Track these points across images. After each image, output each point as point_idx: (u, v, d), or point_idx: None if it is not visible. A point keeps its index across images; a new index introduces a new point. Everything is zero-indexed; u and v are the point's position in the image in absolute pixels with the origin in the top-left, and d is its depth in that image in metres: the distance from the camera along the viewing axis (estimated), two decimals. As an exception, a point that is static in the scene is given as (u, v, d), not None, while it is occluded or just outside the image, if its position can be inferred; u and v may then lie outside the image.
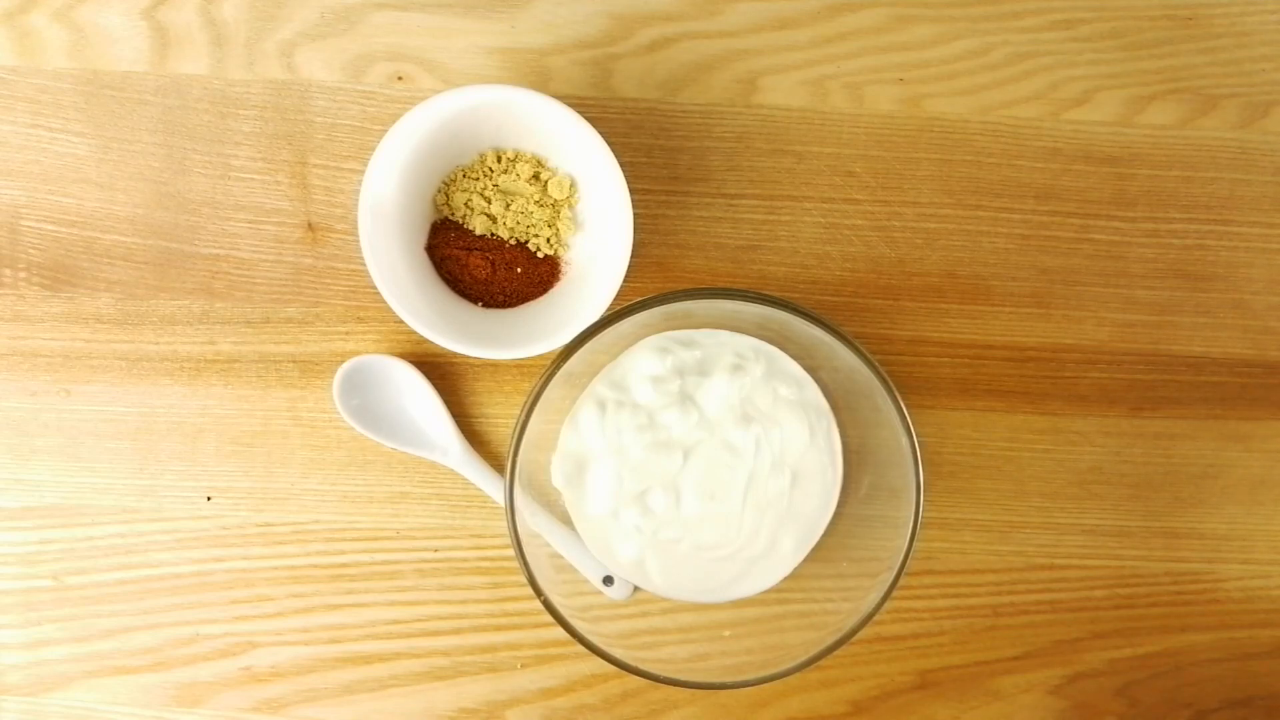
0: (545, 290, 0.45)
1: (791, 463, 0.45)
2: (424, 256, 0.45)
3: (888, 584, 0.41)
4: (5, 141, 0.46)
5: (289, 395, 0.47)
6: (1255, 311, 0.48)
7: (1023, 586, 0.48)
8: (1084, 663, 0.48)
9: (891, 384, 0.41)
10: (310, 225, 0.47)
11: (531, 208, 0.45)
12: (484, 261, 0.45)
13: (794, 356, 0.45)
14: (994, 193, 0.47)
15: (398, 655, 0.48)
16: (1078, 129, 0.47)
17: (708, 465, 0.45)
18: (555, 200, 0.45)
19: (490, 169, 0.45)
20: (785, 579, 0.46)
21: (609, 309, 0.42)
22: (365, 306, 0.47)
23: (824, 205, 0.47)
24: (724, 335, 0.45)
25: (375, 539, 0.47)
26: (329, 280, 0.47)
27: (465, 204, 0.45)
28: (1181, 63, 0.47)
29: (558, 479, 0.46)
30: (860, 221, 0.47)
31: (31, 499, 0.47)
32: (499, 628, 0.48)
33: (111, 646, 0.47)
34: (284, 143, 0.47)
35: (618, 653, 0.42)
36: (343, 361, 0.46)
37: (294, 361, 0.47)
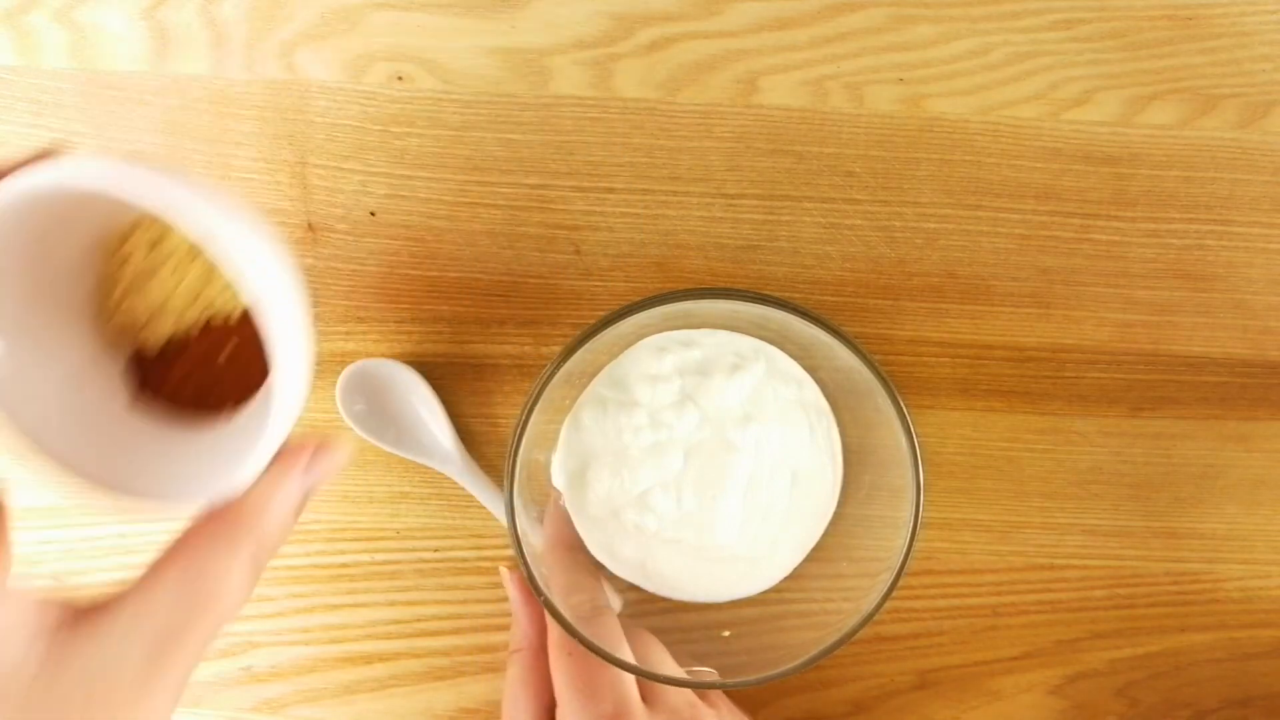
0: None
1: (791, 463, 0.45)
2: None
3: (888, 584, 0.41)
4: (5, 141, 0.46)
5: (289, 395, 0.47)
6: (1255, 311, 0.48)
7: (1023, 586, 0.48)
8: (1084, 663, 0.48)
9: (891, 384, 0.41)
10: (310, 225, 0.47)
11: (196, 269, 0.34)
12: (205, 355, 0.34)
13: (794, 356, 0.46)
14: (994, 193, 0.47)
15: (398, 655, 0.48)
16: (1078, 129, 0.47)
17: (708, 465, 0.45)
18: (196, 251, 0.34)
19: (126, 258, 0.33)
20: (785, 579, 0.46)
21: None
22: (365, 306, 0.47)
23: (824, 205, 0.47)
24: (724, 335, 0.45)
25: (375, 539, 0.47)
26: (329, 280, 0.47)
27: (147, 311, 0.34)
28: (1181, 63, 0.47)
29: (558, 479, 0.46)
30: (860, 221, 0.47)
31: (32, 499, 0.47)
32: (499, 628, 0.48)
33: (111, 646, 0.47)
34: (284, 143, 0.47)
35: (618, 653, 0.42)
36: (343, 361, 0.46)
37: (294, 361, 0.47)
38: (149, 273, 0.34)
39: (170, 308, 0.34)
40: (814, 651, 0.42)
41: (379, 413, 0.46)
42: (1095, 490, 0.48)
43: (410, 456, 0.46)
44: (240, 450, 0.31)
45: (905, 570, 0.41)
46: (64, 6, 0.46)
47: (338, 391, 0.46)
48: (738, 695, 0.47)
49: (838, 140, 0.47)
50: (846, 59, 0.47)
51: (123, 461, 0.32)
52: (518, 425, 0.41)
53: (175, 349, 0.34)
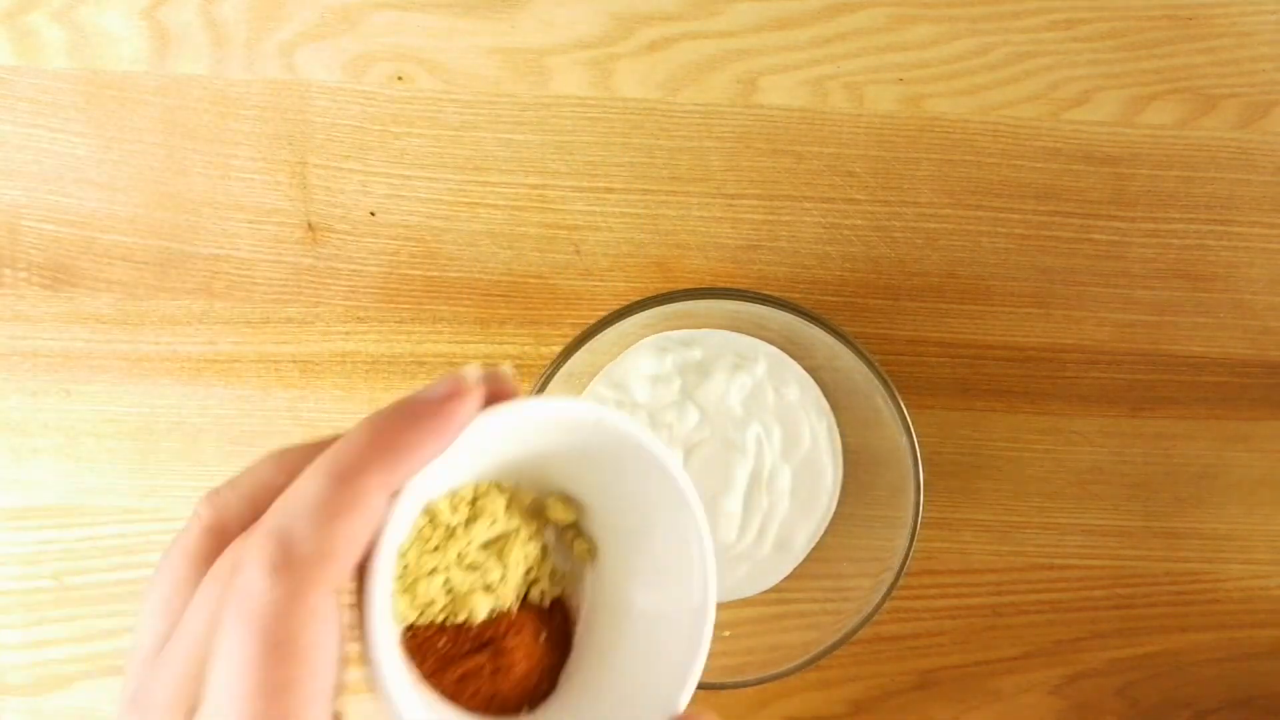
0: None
1: (792, 463, 0.45)
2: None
3: (888, 584, 0.41)
4: (5, 141, 0.46)
5: (289, 395, 0.47)
6: (1255, 311, 0.48)
7: (1023, 586, 0.48)
8: (1084, 663, 0.48)
9: (891, 384, 0.41)
10: (310, 225, 0.47)
11: (525, 548, 0.30)
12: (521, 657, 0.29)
13: (794, 356, 0.46)
14: (994, 193, 0.47)
15: (398, 655, 0.48)
16: (1078, 129, 0.47)
17: (709, 465, 0.45)
18: (559, 524, 0.31)
19: (450, 526, 0.29)
20: (785, 579, 0.46)
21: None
22: (365, 306, 0.47)
23: (824, 205, 0.47)
24: (724, 335, 0.45)
25: (375, 539, 0.47)
26: (329, 280, 0.47)
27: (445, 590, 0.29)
28: (1181, 63, 0.47)
29: (558, 479, 0.46)
30: (860, 221, 0.47)
31: (32, 499, 0.47)
32: (499, 628, 0.48)
33: (111, 646, 0.47)
34: (284, 143, 0.47)
35: (618, 653, 0.42)
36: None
37: (294, 361, 0.47)
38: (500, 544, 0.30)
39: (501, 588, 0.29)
40: (814, 651, 0.42)
41: None
42: (1095, 490, 0.48)
43: None
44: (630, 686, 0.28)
45: (905, 570, 0.41)
46: (64, 6, 0.46)
47: None
48: (738, 695, 0.47)
49: (838, 140, 0.47)
50: (846, 59, 0.47)
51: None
52: (518, 425, 0.41)
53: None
